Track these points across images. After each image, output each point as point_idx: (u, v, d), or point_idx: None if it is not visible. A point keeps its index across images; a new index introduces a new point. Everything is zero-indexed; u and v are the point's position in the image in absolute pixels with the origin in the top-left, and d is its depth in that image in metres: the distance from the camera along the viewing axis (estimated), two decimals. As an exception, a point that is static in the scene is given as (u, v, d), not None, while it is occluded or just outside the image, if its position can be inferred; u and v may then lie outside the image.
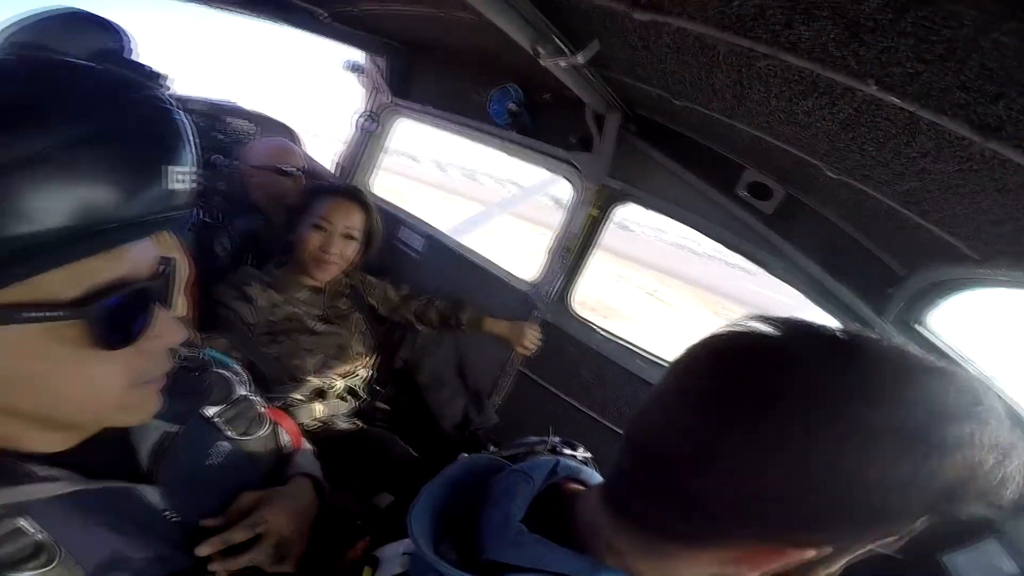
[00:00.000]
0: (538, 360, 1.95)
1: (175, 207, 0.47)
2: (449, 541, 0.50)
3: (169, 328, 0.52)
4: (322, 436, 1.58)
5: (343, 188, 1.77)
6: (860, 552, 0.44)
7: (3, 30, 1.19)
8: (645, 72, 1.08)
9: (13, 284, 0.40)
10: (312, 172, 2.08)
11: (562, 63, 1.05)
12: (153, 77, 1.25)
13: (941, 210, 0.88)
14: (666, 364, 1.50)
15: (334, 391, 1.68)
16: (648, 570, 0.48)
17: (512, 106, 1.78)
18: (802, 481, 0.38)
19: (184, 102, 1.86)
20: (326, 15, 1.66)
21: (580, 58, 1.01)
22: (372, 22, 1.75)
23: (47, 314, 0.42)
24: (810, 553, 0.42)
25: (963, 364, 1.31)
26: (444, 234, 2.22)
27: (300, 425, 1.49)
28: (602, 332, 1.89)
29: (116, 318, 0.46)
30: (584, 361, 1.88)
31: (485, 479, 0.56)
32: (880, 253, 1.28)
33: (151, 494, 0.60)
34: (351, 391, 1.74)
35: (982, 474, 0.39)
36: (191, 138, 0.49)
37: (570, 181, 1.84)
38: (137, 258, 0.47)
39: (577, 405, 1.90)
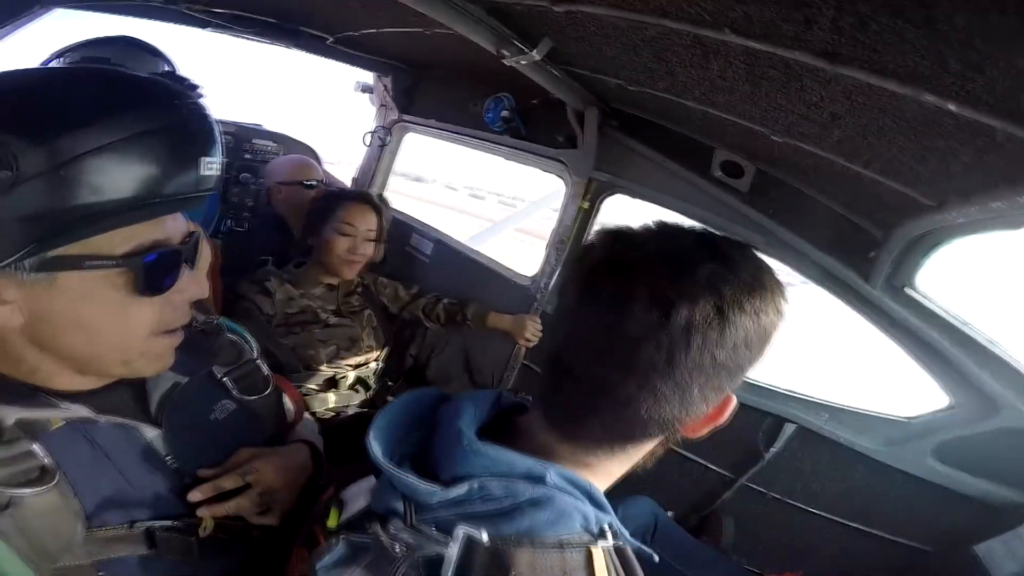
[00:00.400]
0: (537, 350, 2.01)
1: (206, 188, 0.61)
2: (408, 465, 0.52)
3: (192, 284, 0.65)
4: (333, 423, 1.70)
5: (360, 194, 1.95)
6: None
7: (78, 46, 1.47)
8: (596, 63, 1.17)
9: (81, 240, 0.53)
10: (331, 184, 2.29)
11: (523, 61, 1.17)
12: (192, 88, 1.48)
13: (878, 158, 0.92)
14: None
15: (346, 381, 1.81)
16: (619, 467, 0.55)
17: (505, 113, 1.91)
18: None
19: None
20: (331, 39, 1.87)
21: (536, 55, 1.13)
22: (373, 44, 1.94)
23: (104, 263, 0.55)
24: (732, 400, 0.52)
25: (958, 326, 1.29)
26: (451, 238, 2.36)
27: (313, 414, 1.62)
28: None
29: (153, 271, 0.58)
30: None
31: (435, 409, 0.59)
32: (855, 217, 1.29)
33: (155, 438, 0.66)
34: (362, 382, 1.87)
35: None
36: (219, 136, 0.62)
37: (562, 178, 1.94)
38: (172, 227, 0.61)
39: None
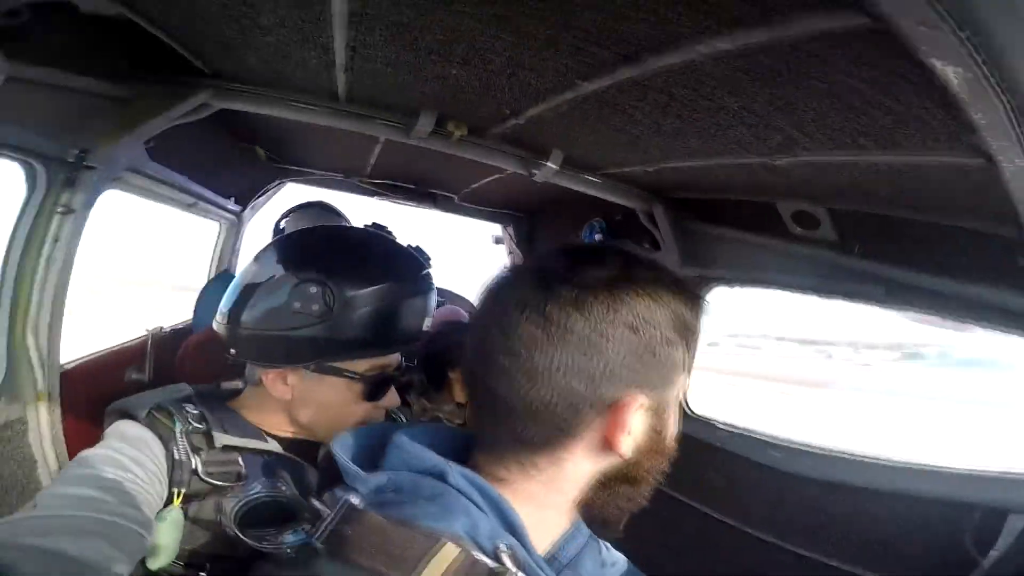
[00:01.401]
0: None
1: (422, 335, 0.90)
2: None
3: (391, 397, 0.90)
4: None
5: None
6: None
7: (296, 208, 1.88)
8: (615, 156, 1.31)
9: (344, 360, 0.82)
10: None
11: (549, 174, 1.39)
12: (427, 260, 2.05)
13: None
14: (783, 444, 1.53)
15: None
16: (541, 489, 0.52)
17: (598, 236, 2.09)
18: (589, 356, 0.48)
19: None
20: (457, 198, 2.36)
21: (552, 164, 1.34)
22: (491, 197, 2.34)
23: (354, 376, 0.83)
24: (638, 400, 0.49)
25: None
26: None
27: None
28: (725, 427, 1.70)
29: (376, 386, 0.85)
30: (711, 461, 1.68)
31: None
32: (982, 225, 0.97)
33: (312, 475, 0.84)
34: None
35: None
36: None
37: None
38: (393, 359, 0.88)
39: (704, 509, 1.68)
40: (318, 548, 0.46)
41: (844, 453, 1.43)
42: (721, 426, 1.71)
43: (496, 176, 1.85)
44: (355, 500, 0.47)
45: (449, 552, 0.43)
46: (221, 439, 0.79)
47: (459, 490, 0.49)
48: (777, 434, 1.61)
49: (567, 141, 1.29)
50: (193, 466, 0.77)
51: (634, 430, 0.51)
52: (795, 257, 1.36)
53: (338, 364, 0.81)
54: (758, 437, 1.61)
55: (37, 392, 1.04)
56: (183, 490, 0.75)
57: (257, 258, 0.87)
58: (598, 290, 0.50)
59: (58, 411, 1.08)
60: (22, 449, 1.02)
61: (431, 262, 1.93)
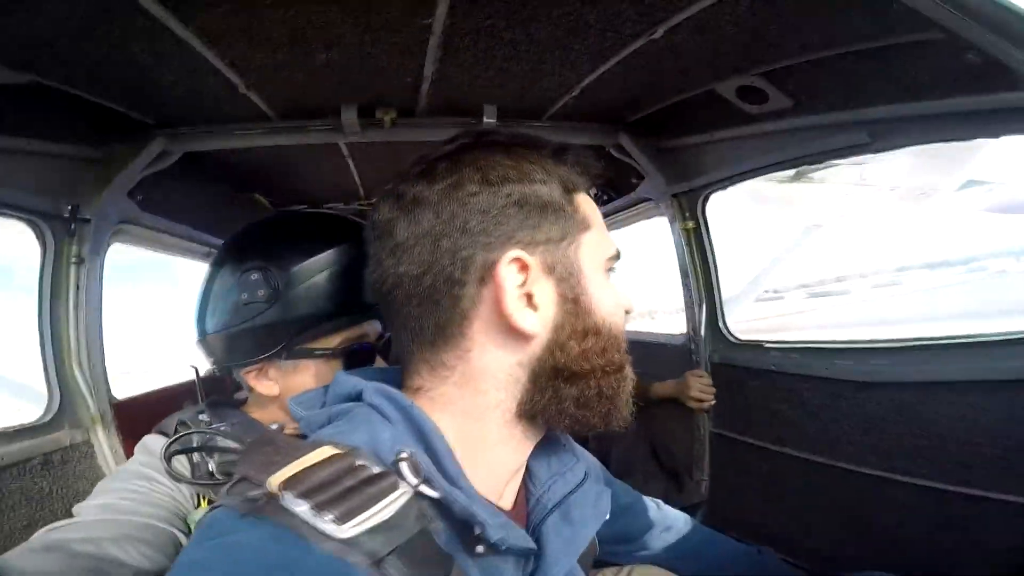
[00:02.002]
0: (726, 412, 1.65)
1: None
2: None
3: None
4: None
5: None
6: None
7: None
8: (541, 90, 1.29)
9: (314, 340, 0.76)
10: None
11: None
12: None
13: None
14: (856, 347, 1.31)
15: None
16: (457, 392, 0.48)
17: (592, 189, 2.04)
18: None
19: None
20: None
21: (488, 119, 1.34)
22: None
23: (326, 352, 0.77)
24: (508, 256, 0.46)
25: None
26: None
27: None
28: (775, 347, 1.51)
29: (354, 359, 0.78)
30: (774, 391, 1.48)
31: None
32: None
33: None
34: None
35: None
36: None
37: (665, 216, 1.82)
38: (370, 329, 0.81)
39: (794, 453, 1.43)
40: None
41: (945, 339, 1.12)
42: (770, 346, 1.52)
43: None
44: (274, 426, 0.50)
45: (321, 452, 0.40)
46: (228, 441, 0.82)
47: (373, 406, 0.47)
48: (839, 337, 1.39)
49: (491, 92, 1.29)
50: (210, 468, 0.80)
51: (539, 299, 0.46)
52: (767, 136, 1.26)
53: (308, 345, 0.78)
54: (817, 347, 1.40)
55: (92, 416, 1.21)
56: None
57: (210, 265, 0.88)
58: (443, 158, 0.49)
59: (115, 435, 1.24)
60: (92, 469, 1.19)
61: None
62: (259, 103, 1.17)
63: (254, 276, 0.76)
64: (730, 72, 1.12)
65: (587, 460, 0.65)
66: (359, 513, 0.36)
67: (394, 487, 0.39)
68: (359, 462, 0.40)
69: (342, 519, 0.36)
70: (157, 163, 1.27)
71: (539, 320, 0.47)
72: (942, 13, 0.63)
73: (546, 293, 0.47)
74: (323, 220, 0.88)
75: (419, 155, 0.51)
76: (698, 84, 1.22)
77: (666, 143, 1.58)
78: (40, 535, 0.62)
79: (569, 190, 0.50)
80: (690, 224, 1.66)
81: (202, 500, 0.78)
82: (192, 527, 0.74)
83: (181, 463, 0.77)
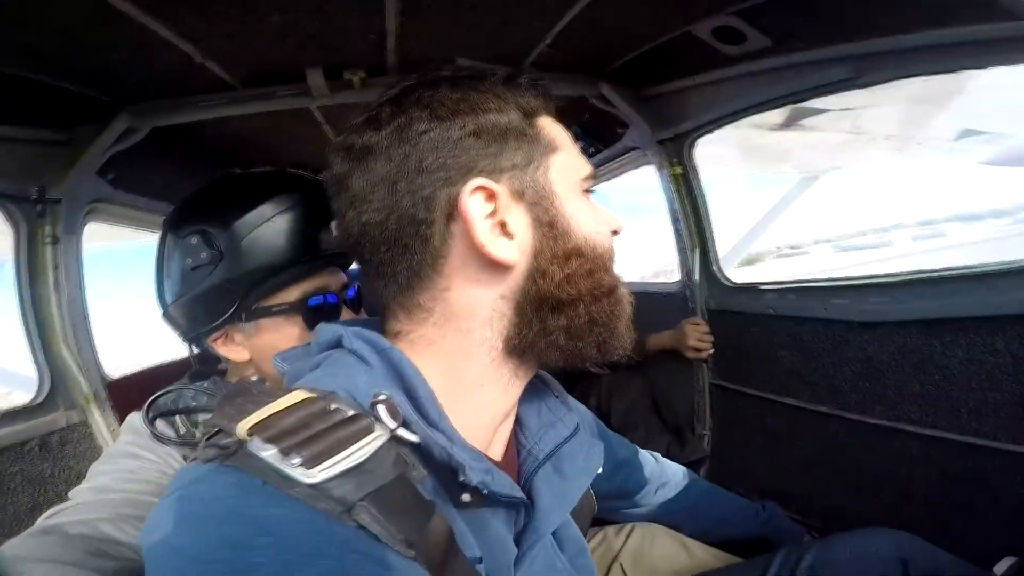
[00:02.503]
0: (725, 361, 1.64)
1: (339, 248, 0.76)
2: None
3: (347, 318, 0.78)
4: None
5: None
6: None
7: None
8: (515, 40, 1.23)
9: (269, 295, 0.74)
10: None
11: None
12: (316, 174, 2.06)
13: None
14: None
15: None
16: (437, 332, 0.47)
17: (580, 143, 1.98)
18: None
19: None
20: None
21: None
22: None
23: (283, 308, 0.75)
24: (470, 185, 0.44)
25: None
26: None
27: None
28: (771, 288, 1.47)
29: (314, 311, 0.76)
30: (773, 337, 1.46)
31: None
32: None
33: None
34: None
35: None
36: None
37: (651, 163, 1.78)
38: (331, 280, 0.79)
39: (796, 403, 1.40)
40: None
41: (948, 271, 1.03)
42: (766, 287, 1.48)
43: None
44: (253, 378, 0.49)
45: (293, 397, 0.39)
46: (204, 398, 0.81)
47: (353, 351, 0.46)
48: (837, 275, 1.34)
49: (460, 45, 1.24)
50: (196, 439, 0.79)
51: (513, 227, 0.45)
52: (750, 77, 1.21)
53: (264, 303, 0.76)
54: (813, 286, 1.34)
55: (85, 396, 1.22)
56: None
57: (157, 242, 0.86)
58: (387, 103, 0.47)
59: (111, 414, 1.26)
60: (92, 450, 1.21)
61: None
62: (219, 72, 1.13)
63: (194, 240, 0.75)
64: (703, 13, 1.07)
65: (579, 411, 0.64)
66: (328, 457, 0.34)
67: (368, 430, 0.37)
68: (333, 406, 0.38)
69: (310, 463, 0.34)
70: (124, 140, 1.24)
71: (516, 247, 0.45)
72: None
73: (519, 219, 0.45)
74: (258, 177, 0.87)
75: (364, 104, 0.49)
76: (672, 27, 1.16)
77: (648, 91, 1.52)
78: (40, 521, 0.63)
79: (528, 114, 0.48)
80: (677, 170, 1.63)
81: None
82: None
83: (167, 429, 0.77)
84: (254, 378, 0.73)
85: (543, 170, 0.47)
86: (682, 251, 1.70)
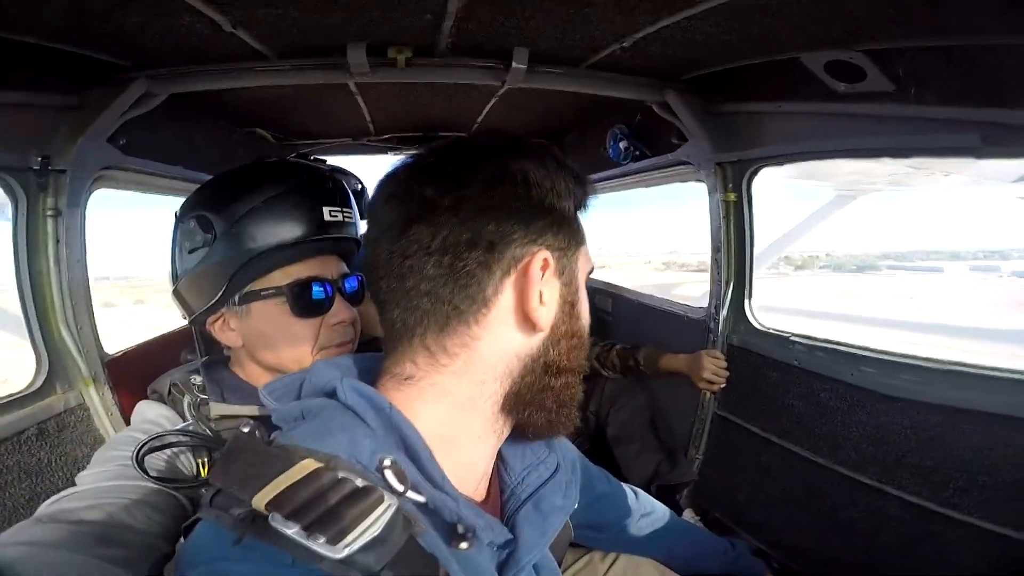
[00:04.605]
0: (735, 397, 1.59)
1: (336, 233, 0.80)
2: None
3: (342, 310, 0.79)
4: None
5: None
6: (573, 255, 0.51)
7: None
8: (586, 38, 1.08)
9: (260, 279, 0.76)
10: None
11: (519, 77, 1.18)
12: (321, 162, 1.91)
13: None
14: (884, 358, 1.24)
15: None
16: (454, 381, 0.48)
17: (624, 143, 1.83)
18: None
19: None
20: (468, 135, 2.16)
21: (518, 64, 1.14)
22: (507, 127, 2.12)
23: (272, 292, 0.76)
24: (540, 255, 0.47)
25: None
26: (625, 289, 2.25)
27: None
28: (801, 341, 1.41)
29: (303, 297, 0.77)
30: (791, 387, 1.42)
31: None
32: None
33: None
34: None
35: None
36: (340, 191, 0.83)
37: (702, 182, 1.64)
38: (327, 267, 0.79)
39: (794, 448, 1.40)
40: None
41: (973, 368, 1.05)
42: (797, 339, 1.43)
43: (495, 100, 1.64)
44: (245, 428, 0.45)
45: (303, 467, 0.39)
46: (217, 409, 0.80)
47: (349, 405, 0.46)
48: (870, 344, 1.29)
49: (528, 35, 1.08)
50: (188, 478, 0.76)
51: (547, 297, 0.48)
52: (848, 117, 1.07)
53: (254, 286, 0.77)
54: (845, 350, 1.31)
55: (84, 378, 1.15)
56: (205, 458, 0.77)
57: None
58: (466, 159, 0.48)
59: (110, 394, 1.19)
60: (90, 433, 1.14)
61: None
62: (251, 42, 0.99)
63: (191, 224, 0.78)
64: (824, 43, 0.91)
65: (562, 450, 0.65)
66: (350, 532, 0.36)
67: (380, 501, 0.39)
68: (341, 474, 0.39)
69: (334, 539, 0.36)
70: (139, 106, 1.13)
71: (547, 316, 0.49)
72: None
73: (554, 293, 0.49)
74: (258, 166, 0.88)
75: (419, 153, 0.51)
76: (781, 50, 1.01)
77: (719, 107, 1.38)
78: (44, 507, 0.62)
79: (578, 207, 0.53)
80: (731, 196, 1.50)
81: (201, 469, 0.76)
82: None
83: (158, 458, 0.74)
84: (245, 428, 0.65)
85: (574, 257, 0.51)
86: (716, 282, 1.61)
